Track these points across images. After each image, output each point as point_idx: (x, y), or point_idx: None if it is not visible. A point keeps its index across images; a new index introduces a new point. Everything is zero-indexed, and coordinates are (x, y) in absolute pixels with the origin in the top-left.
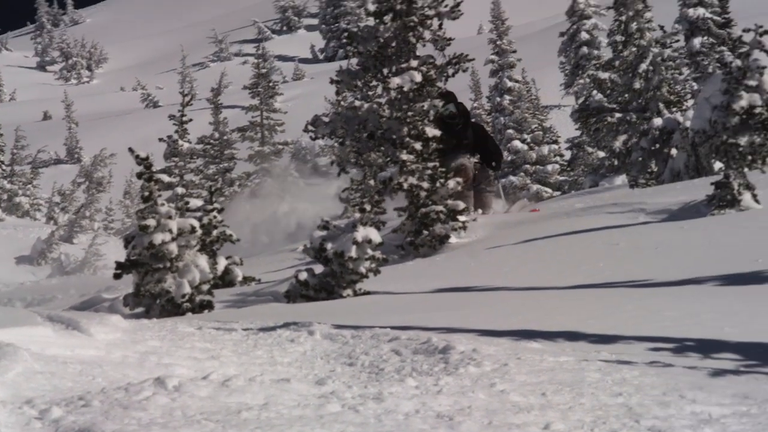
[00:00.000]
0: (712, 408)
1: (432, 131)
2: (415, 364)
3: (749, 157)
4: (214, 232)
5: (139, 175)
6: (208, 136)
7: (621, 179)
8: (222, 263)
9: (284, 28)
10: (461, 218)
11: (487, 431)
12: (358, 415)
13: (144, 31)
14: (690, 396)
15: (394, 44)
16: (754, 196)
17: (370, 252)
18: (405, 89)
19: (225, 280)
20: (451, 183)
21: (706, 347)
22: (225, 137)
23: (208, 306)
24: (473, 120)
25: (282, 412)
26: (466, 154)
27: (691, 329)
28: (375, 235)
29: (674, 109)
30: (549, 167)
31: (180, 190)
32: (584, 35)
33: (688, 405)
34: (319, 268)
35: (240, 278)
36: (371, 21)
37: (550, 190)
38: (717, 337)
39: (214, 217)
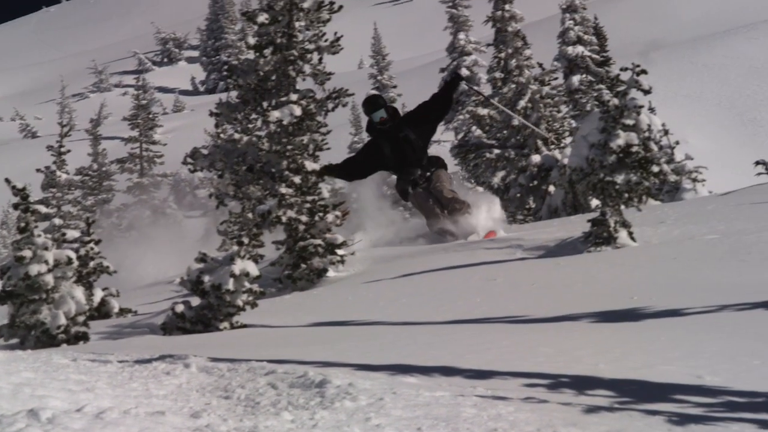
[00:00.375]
0: None
1: (311, 165)
2: (291, 398)
3: (626, 195)
4: (91, 264)
5: (16, 206)
6: (86, 167)
7: None
8: (98, 295)
9: (165, 59)
10: (339, 252)
11: None
12: None
13: (23, 60)
14: None
15: (274, 78)
16: (630, 233)
17: (247, 285)
18: (284, 123)
19: (101, 311)
20: (330, 217)
21: (581, 383)
22: (104, 168)
23: (84, 337)
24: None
25: None
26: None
27: (566, 365)
28: (253, 268)
29: (552, 147)
30: None
31: (57, 221)
32: (464, 71)
33: None
34: (196, 301)
35: (116, 310)
36: (251, 54)
37: None
38: (592, 373)
39: (91, 248)
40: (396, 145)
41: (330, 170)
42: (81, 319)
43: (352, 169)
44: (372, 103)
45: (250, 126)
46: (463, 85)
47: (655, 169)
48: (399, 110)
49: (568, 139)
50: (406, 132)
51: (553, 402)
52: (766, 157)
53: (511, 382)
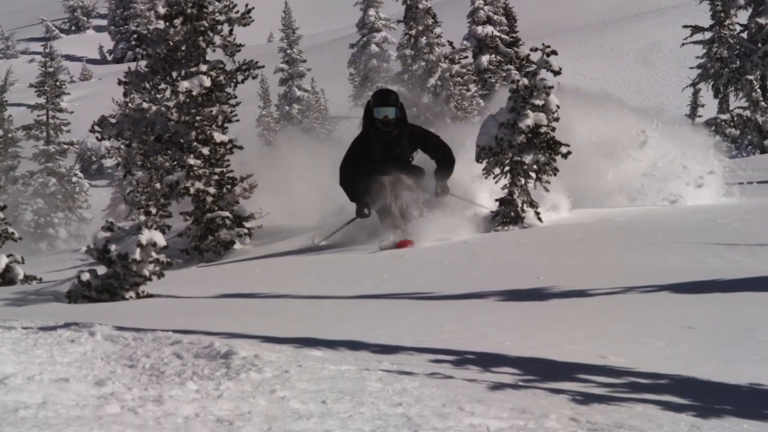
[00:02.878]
0: (490, 421)
1: (220, 137)
2: (196, 368)
3: (533, 175)
4: None
5: None
6: None
7: None
8: (2, 261)
9: (73, 27)
10: (247, 224)
11: None
12: (137, 417)
13: None
14: (469, 408)
15: (183, 48)
16: (537, 213)
17: (154, 255)
18: (194, 93)
19: (5, 278)
20: (238, 189)
21: (486, 361)
22: (9, 135)
23: None
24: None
25: (60, 411)
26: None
27: (471, 342)
28: (160, 239)
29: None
30: None
31: None
32: (374, 48)
33: (467, 417)
34: (102, 270)
35: (21, 277)
36: (161, 24)
37: None
38: (497, 351)
39: None
40: (387, 153)
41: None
42: None
43: (358, 182)
44: (384, 98)
45: (159, 96)
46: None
47: (564, 150)
48: (407, 115)
49: (477, 118)
50: (404, 148)
51: (459, 378)
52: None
53: (417, 358)
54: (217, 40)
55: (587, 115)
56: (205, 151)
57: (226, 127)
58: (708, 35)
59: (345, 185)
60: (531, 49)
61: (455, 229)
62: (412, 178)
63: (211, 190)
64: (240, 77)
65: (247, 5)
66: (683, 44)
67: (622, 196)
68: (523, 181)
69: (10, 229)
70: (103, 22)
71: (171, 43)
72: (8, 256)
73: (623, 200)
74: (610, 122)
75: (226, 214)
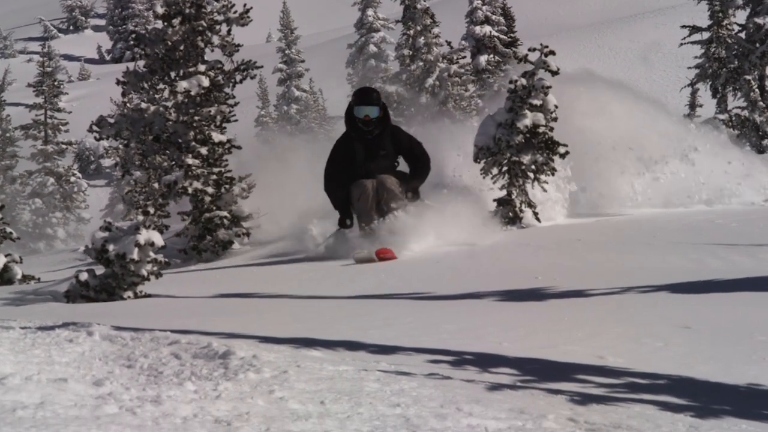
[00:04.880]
0: (488, 422)
1: (219, 136)
2: (194, 369)
3: (532, 175)
4: None
5: None
6: None
7: None
8: (0, 261)
9: (71, 27)
10: (245, 224)
11: None
12: (135, 417)
13: None
14: (467, 409)
15: (182, 48)
16: (536, 213)
17: (152, 255)
18: (192, 93)
19: (3, 278)
20: (236, 189)
21: (484, 361)
22: (7, 134)
23: None
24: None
25: (58, 411)
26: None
27: (469, 343)
28: (158, 238)
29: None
30: None
31: None
32: (372, 48)
33: (465, 418)
34: (100, 270)
35: (19, 276)
36: (159, 24)
37: None
38: (495, 351)
39: None
40: (369, 154)
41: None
42: None
43: (340, 187)
44: (364, 97)
45: (157, 96)
46: None
47: (562, 150)
48: (390, 114)
49: (475, 118)
50: (387, 149)
51: (457, 379)
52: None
53: (415, 358)
54: (216, 40)
55: (629, 115)
56: (204, 150)
57: (225, 127)
58: (706, 35)
59: (328, 191)
60: (529, 49)
61: (443, 235)
62: (396, 182)
63: (210, 189)
64: (238, 77)
65: (245, 5)
66: (681, 44)
67: (657, 201)
68: (521, 181)
69: (8, 229)
70: (102, 22)
71: (169, 43)
72: (6, 255)
73: (657, 204)
74: (648, 125)
75: (225, 213)
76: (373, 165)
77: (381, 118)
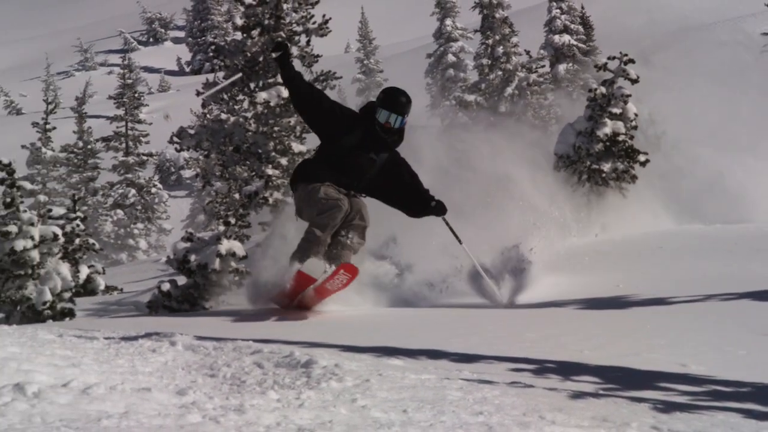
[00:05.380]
0: (571, 429)
1: (299, 147)
2: (277, 377)
3: (611, 183)
4: (77, 241)
5: (1, 181)
6: (72, 145)
7: None
8: (84, 271)
9: (151, 39)
10: None
11: None
12: (218, 426)
13: (7, 36)
14: (549, 417)
15: (261, 59)
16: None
17: (233, 265)
18: (272, 104)
19: (87, 288)
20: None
21: (566, 369)
22: (89, 146)
23: (70, 314)
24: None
25: (142, 421)
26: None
27: (551, 351)
28: (239, 249)
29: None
30: None
31: (42, 197)
32: (451, 57)
33: (548, 426)
34: (182, 280)
35: (102, 287)
36: (239, 35)
37: None
38: (577, 359)
39: (77, 225)
40: (362, 151)
41: (286, 65)
42: (67, 295)
43: (305, 89)
44: (394, 101)
45: (237, 107)
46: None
47: (642, 158)
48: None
49: (555, 127)
50: (378, 161)
51: (539, 387)
52: None
53: (497, 367)
54: (295, 51)
55: None
56: (284, 161)
57: (305, 137)
58: None
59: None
60: (609, 58)
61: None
62: (364, 208)
63: (290, 200)
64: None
65: (324, 16)
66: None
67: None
68: (601, 189)
69: (91, 240)
70: (181, 34)
71: (248, 54)
72: (89, 266)
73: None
74: None
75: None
76: (358, 163)
77: (401, 130)
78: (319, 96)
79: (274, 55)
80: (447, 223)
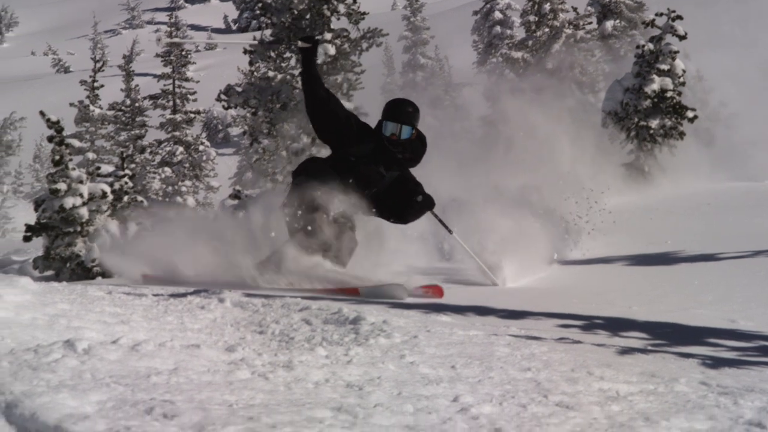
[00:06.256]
0: (619, 385)
1: (346, 104)
2: (325, 334)
3: (659, 140)
4: (125, 198)
5: (50, 139)
6: (119, 103)
7: None
8: (132, 229)
9: None
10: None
11: (396, 402)
12: (267, 382)
13: None
14: (598, 373)
15: (308, 16)
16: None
17: None
18: (319, 62)
19: None
20: None
21: (614, 325)
22: (136, 104)
23: None
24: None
25: (191, 377)
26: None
27: (599, 308)
28: None
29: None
30: None
31: (91, 155)
32: (497, 14)
33: (596, 382)
34: None
35: None
36: None
37: None
38: (625, 315)
39: (126, 182)
40: (373, 159)
41: (311, 61)
42: None
43: (323, 93)
44: (395, 110)
45: (284, 64)
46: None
47: (690, 114)
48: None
49: (602, 84)
50: (388, 178)
51: (587, 343)
52: None
53: (545, 323)
54: (342, 8)
55: None
56: None
57: (352, 95)
58: None
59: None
60: (656, 14)
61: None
62: (351, 223)
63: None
64: (364, 45)
65: None
66: None
67: None
68: (649, 146)
69: (139, 198)
70: None
71: (295, 12)
72: (138, 224)
73: None
74: None
75: None
76: (365, 173)
77: (412, 141)
78: (336, 103)
79: (300, 44)
80: (436, 216)
